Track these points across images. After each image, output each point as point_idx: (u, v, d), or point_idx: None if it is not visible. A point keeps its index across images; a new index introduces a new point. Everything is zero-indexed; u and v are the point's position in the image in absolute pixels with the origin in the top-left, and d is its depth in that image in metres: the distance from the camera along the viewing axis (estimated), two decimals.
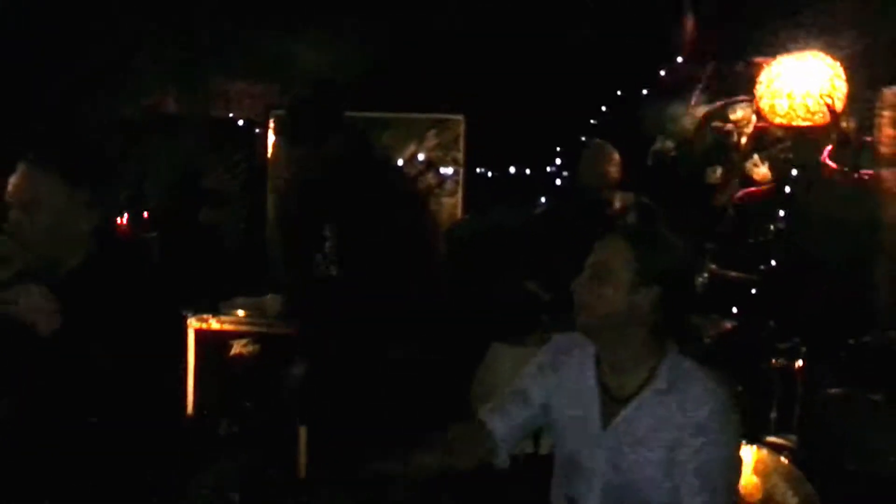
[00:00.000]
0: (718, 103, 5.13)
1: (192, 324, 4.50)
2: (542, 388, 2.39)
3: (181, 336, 2.70)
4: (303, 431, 3.75)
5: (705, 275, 4.15)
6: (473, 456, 2.41)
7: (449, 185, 5.62)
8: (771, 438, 3.69)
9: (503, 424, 2.41)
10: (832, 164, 4.61)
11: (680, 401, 2.17)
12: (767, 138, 4.98)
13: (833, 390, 3.66)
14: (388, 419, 3.36)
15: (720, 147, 5.12)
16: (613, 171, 4.79)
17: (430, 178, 5.60)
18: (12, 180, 2.41)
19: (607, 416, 2.24)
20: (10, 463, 2.43)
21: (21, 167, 2.41)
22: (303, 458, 3.68)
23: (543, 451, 3.59)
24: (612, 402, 2.25)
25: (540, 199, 5.35)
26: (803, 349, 3.71)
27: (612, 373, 2.27)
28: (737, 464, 2.25)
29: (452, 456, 2.40)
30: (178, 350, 2.67)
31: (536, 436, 3.65)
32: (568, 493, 2.32)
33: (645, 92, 5.32)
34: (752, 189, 4.98)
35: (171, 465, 2.52)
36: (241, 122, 5.78)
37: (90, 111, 5.26)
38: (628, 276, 2.16)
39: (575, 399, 2.31)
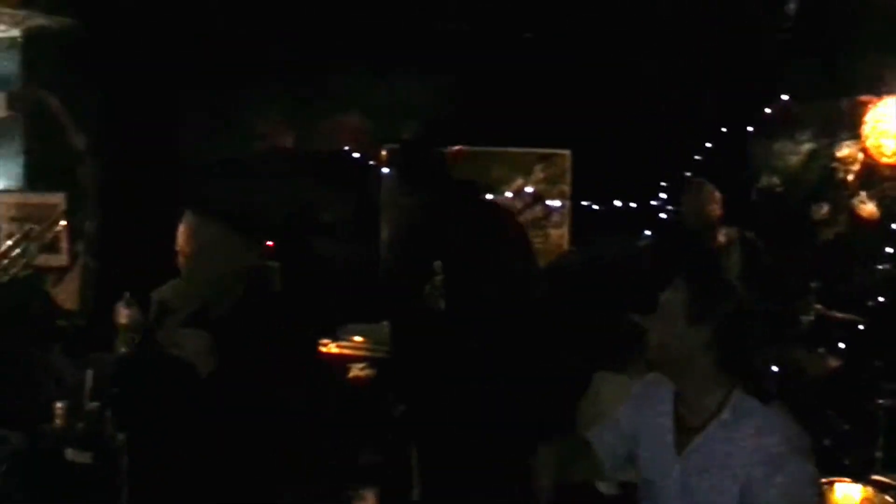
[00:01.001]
0: (825, 141, 5.15)
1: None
2: (631, 419, 2.55)
3: (315, 358, 2.88)
4: (414, 454, 3.90)
5: (811, 314, 4.18)
6: (582, 471, 2.61)
7: (555, 218, 5.76)
8: (876, 477, 3.70)
9: (604, 450, 2.58)
10: None
11: (746, 432, 2.26)
12: (875, 176, 4.98)
13: None
14: (493, 448, 3.50)
15: (827, 184, 5.13)
16: (715, 209, 4.84)
17: (537, 210, 5.76)
18: (181, 228, 2.61)
19: (680, 445, 2.37)
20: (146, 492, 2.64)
21: (187, 216, 2.62)
22: (416, 481, 3.83)
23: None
24: (685, 431, 2.37)
25: (644, 232, 5.43)
26: None
27: (684, 404, 2.39)
28: (809, 494, 2.29)
29: (564, 470, 2.55)
30: (313, 371, 2.84)
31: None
32: None
33: (751, 129, 5.37)
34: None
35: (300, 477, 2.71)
36: (355, 156, 6.01)
37: (217, 147, 5.57)
38: (682, 314, 2.30)
39: (655, 429, 2.45)
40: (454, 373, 3.45)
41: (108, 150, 5.41)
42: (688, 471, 2.33)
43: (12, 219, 5.07)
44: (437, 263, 3.44)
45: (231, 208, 2.69)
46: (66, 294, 5.03)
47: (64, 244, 5.07)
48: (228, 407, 2.47)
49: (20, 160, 5.35)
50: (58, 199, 5.11)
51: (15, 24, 5.26)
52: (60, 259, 5.09)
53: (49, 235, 4.82)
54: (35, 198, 5.18)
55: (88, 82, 5.42)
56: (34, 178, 5.32)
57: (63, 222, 4.92)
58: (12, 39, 5.36)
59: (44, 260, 5.00)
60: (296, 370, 2.59)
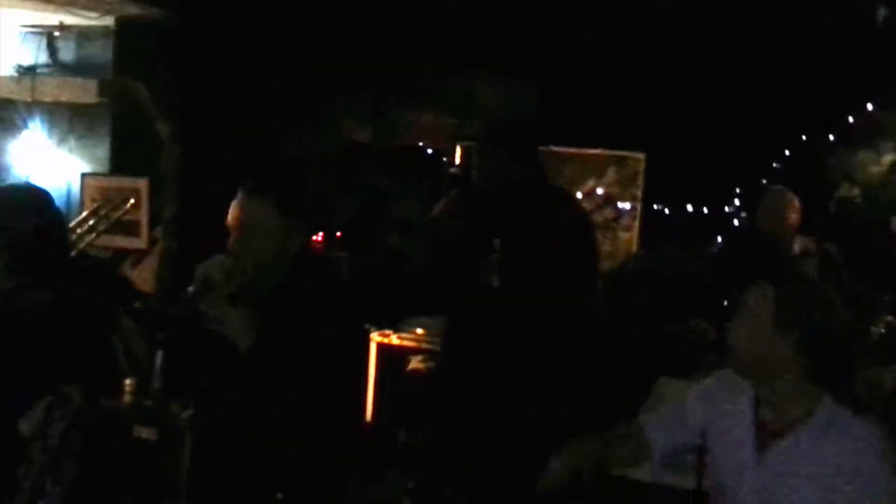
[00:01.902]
0: None
1: (375, 338, 4.81)
2: (701, 413, 2.49)
3: (365, 348, 2.92)
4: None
5: (882, 326, 4.09)
6: (628, 454, 2.58)
7: (625, 221, 5.74)
8: None
9: (660, 434, 2.53)
10: None
11: (835, 441, 2.21)
12: None
13: None
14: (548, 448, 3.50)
15: None
16: (793, 217, 4.75)
17: (607, 212, 5.74)
18: (233, 206, 2.65)
19: (760, 450, 2.31)
20: (205, 467, 2.72)
21: (240, 194, 2.65)
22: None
23: (704, 487, 3.68)
24: (766, 436, 2.31)
25: (716, 238, 5.37)
26: None
27: (768, 409, 2.33)
28: None
29: (610, 449, 2.55)
30: (362, 360, 2.89)
31: (700, 473, 3.75)
32: None
33: (831, 137, 5.26)
34: None
35: (350, 468, 2.77)
36: (429, 152, 6.08)
37: (295, 143, 5.69)
38: (769, 320, 2.24)
39: (731, 431, 2.39)
40: (504, 354, 3.47)
41: (190, 139, 5.57)
42: (767, 476, 2.28)
43: (95, 200, 5.26)
44: (497, 241, 3.47)
45: (287, 193, 2.74)
46: (144, 277, 5.19)
47: (143, 228, 5.23)
48: (263, 383, 2.55)
49: (107, 145, 5.54)
50: (140, 183, 5.27)
51: (109, 13, 5.44)
52: (140, 242, 5.26)
53: (116, 215, 4.98)
54: (118, 181, 5.36)
55: (175, 72, 5.59)
56: (119, 163, 5.51)
57: (131, 202, 5.06)
58: (106, 28, 5.54)
59: (124, 243, 5.20)
60: (340, 359, 2.64)
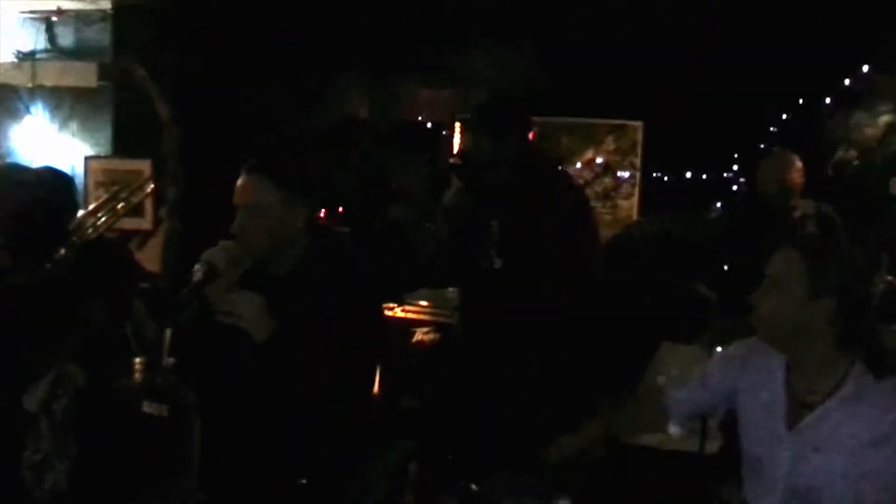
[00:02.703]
0: None
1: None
2: (725, 376, 2.49)
3: (382, 322, 2.92)
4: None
5: (882, 285, 4.12)
6: (644, 418, 2.66)
7: (625, 189, 5.78)
8: None
9: (681, 396, 2.58)
10: None
11: (866, 410, 2.19)
12: None
13: None
14: (553, 415, 3.56)
15: None
16: (796, 178, 4.74)
17: (607, 181, 5.78)
18: (237, 186, 2.64)
19: (793, 420, 2.29)
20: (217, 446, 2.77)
21: (243, 174, 2.65)
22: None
23: (707, 450, 3.74)
24: (799, 406, 2.28)
25: (715, 204, 5.40)
26: None
27: (800, 379, 2.30)
28: None
29: (624, 416, 2.64)
30: (381, 334, 2.87)
31: (703, 436, 3.80)
32: (748, 495, 2.40)
33: (828, 100, 5.27)
34: None
35: (358, 436, 2.79)
36: (428, 126, 6.10)
37: (294, 118, 5.72)
38: (801, 288, 2.19)
39: (763, 401, 2.37)
40: (509, 334, 3.52)
41: (190, 120, 5.61)
42: (800, 448, 2.26)
43: (100, 183, 5.32)
44: (495, 223, 3.52)
45: (288, 169, 2.70)
46: (150, 257, 5.25)
47: (148, 209, 5.30)
48: (286, 371, 2.52)
49: (109, 128, 5.58)
50: (143, 165, 5.33)
51: None
52: (145, 223, 5.32)
53: (135, 200, 5.04)
54: (122, 164, 5.41)
55: (175, 54, 5.61)
56: (122, 145, 5.55)
57: (151, 186, 5.13)
58: (104, 12, 5.56)
59: (129, 224, 5.25)
60: (358, 336, 2.61)
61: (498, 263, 3.52)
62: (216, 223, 2.79)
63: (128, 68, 5.47)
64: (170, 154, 5.46)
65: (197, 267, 2.55)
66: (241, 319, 2.48)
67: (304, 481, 2.60)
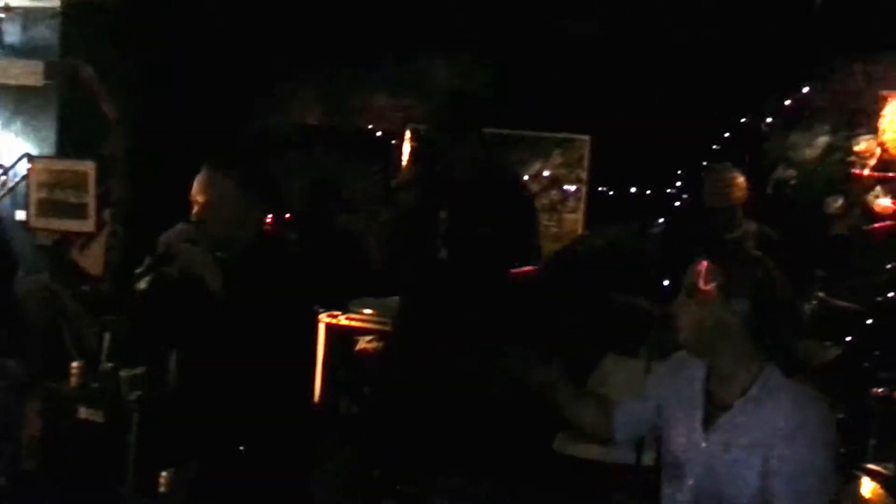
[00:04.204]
0: (842, 134, 5.16)
1: (323, 319, 4.85)
2: (659, 393, 2.60)
3: (313, 327, 3.00)
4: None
5: (814, 302, 4.23)
6: (591, 416, 2.71)
7: (571, 203, 5.83)
8: (869, 465, 3.75)
9: (622, 409, 2.67)
10: None
11: (773, 410, 2.30)
12: (891, 171, 4.98)
13: None
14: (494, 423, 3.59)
15: (842, 178, 5.14)
16: (739, 193, 4.84)
17: (553, 194, 5.83)
18: (197, 180, 2.80)
19: (709, 422, 2.40)
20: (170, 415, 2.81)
21: (204, 169, 2.81)
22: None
23: (645, 462, 3.80)
24: (714, 409, 2.41)
25: (658, 219, 5.47)
26: None
27: (717, 384, 2.42)
28: (828, 474, 2.32)
29: (576, 403, 2.69)
30: (310, 340, 2.97)
31: (639, 449, 3.86)
32: (667, 493, 2.50)
33: (769, 120, 5.39)
34: (880, 225, 4.97)
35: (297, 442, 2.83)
36: (378, 134, 6.12)
37: (244, 122, 5.70)
38: (715, 295, 2.32)
39: (683, 407, 2.48)
40: (453, 327, 3.55)
41: (138, 121, 5.56)
42: (714, 447, 2.36)
43: (42, 184, 5.24)
44: (444, 214, 3.57)
45: (247, 168, 2.84)
46: (92, 260, 5.19)
47: (91, 211, 5.23)
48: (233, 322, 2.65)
49: (54, 128, 5.51)
50: (88, 166, 5.27)
51: None
52: (87, 225, 5.26)
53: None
54: (66, 164, 5.34)
55: (123, 54, 5.57)
56: (66, 145, 5.49)
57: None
58: (53, 10, 5.50)
59: (72, 226, 5.19)
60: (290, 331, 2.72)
61: (444, 254, 3.56)
62: (161, 226, 2.83)
63: (75, 67, 5.42)
64: (116, 155, 5.42)
65: (141, 268, 2.70)
66: (200, 266, 2.65)
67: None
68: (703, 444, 2.39)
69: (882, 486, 3.55)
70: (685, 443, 2.44)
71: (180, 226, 2.77)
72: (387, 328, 4.76)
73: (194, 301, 2.69)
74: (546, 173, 5.83)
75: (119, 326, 3.92)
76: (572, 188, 5.81)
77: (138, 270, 2.73)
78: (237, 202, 2.77)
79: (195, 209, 2.78)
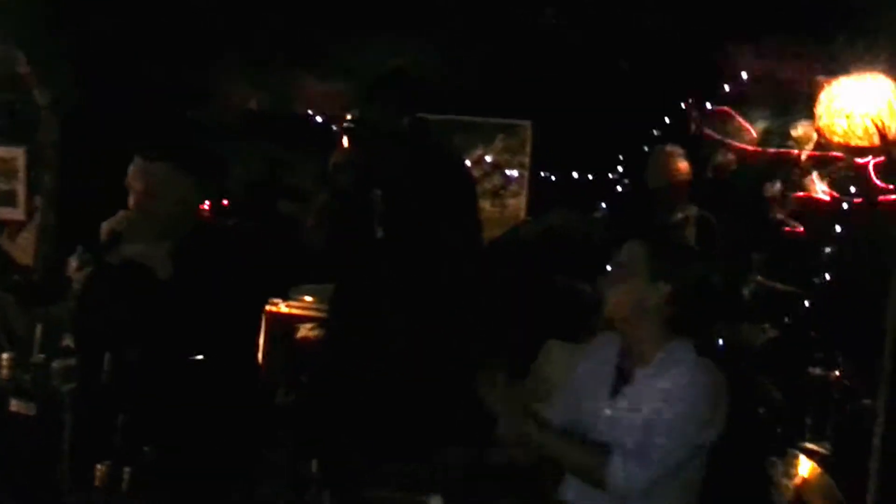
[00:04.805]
0: (780, 120, 5.23)
1: (263, 307, 4.77)
2: (578, 375, 2.71)
3: (257, 316, 2.98)
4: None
5: (752, 284, 4.28)
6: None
7: (513, 188, 5.84)
8: (806, 444, 3.82)
9: (555, 414, 2.69)
10: (880, 185, 4.69)
11: (667, 377, 2.43)
12: (827, 156, 5.06)
13: (866, 401, 3.76)
14: (435, 408, 3.58)
15: (780, 162, 5.22)
16: (682, 173, 4.87)
17: (496, 179, 5.84)
18: (132, 170, 2.74)
19: (613, 393, 2.53)
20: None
21: (137, 158, 2.74)
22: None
23: None
24: (621, 381, 2.54)
25: (600, 204, 5.51)
26: (840, 360, 3.83)
27: (628, 357, 2.55)
28: (693, 431, 2.40)
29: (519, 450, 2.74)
30: (254, 329, 2.94)
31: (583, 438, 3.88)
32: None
33: (709, 105, 5.44)
34: (805, 195, 5.05)
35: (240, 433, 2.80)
36: (319, 120, 6.06)
37: (182, 108, 5.60)
38: (641, 273, 2.47)
39: (596, 380, 2.61)
40: (388, 311, 3.53)
41: (71, 108, 5.42)
42: (615, 415, 2.48)
43: None
44: (377, 192, 3.54)
45: (184, 156, 2.77)
46: (22, 248, 5.07)
47: (21, 198, 5.10)
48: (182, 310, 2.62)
49: None
50: (17, 152, 5.14)
51: None
52: (17, 213, 5.13)
53: None
54: None
55: (55, 39, 5.42)
56: None
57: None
58: None
59: (1, 213, 5.06)
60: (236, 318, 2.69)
61: (379, 233, 3.54)
62: (94, 214, 2.77)
63: (6, 53, 5.28)
64: (47, 142, 5.28)
65: (73, 256, 2.64)
66: (149, 257, 2.63)
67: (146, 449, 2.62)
68: (607, 412, 2.50)
69: (819, 465, 3.61)
70: (591, 409, 2.55)
71: (122, 213, 2.72)
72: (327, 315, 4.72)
73: (139, 291, 2.65)
74: (489, 158, 5.83)
75: (51, 316, 3.81)
76: (515, 173, 5.82)
77: (73, 261, 2.66)
78: (173, 190, 2.72)
79: (132, 197, 2.73)
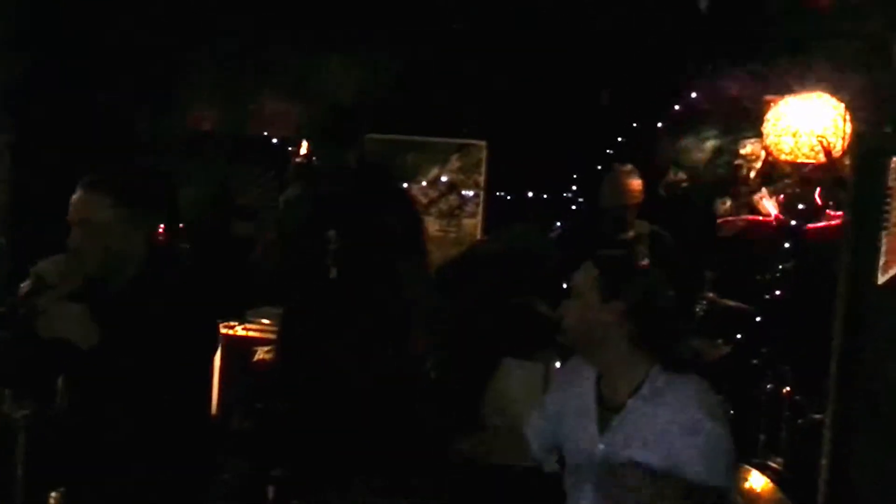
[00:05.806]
0: (729, 138, 5.33)
1: (220, 330, 4.74)
2: (555, 401, 2.67)
3: (215, 341, 2.90)
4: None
5: (703, 302, 4.35)
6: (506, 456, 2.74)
7: (469, 207, 5.87)
8: (758, 460, 3.88)
9: (533, 434, 2.74)
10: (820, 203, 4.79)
11: (664, 405, 2.38)
12: (775, 174, 5.16)
13: (817, 416, 3.82)
14: (400, 430, 3.59)
15: (730, 180, 5.31)
16: (635, 194, 4.93)
17: (451, 199, 5.86)
18: (72, 202, 2.60)
19: (603, 425, 2.47)
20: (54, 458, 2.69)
21: (79, 189, 2.60)
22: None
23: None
24: (607, 411, 2.48)
25: (555, 223, 5.56)
26: (790, 376, 3.89)
27: (606, 385, 2.50)
28: (726, 457, 2.40)
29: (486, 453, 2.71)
30: (212, 354, 2.88)
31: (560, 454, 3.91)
32: (571, 497, 2.56)
33: (659, 125, 5.53)
34: (753, 218, 5.14)
35: (195, 459, 2.75)
36: (273, 141, 6.05)
37: (136, 132, 5.55)
38: (594, 293, 2.45)
39: (578, 411, 2.55)
40: (343, 346, 3.54)
41: (23, 127, 5.35)
42: (611, 449, 2.42)
43: None
44: (332, 233, 3.56)
45: (127, 185, 2.66)
46: None
47: None
48: (114, 378, 2.49)
49: None
50: None
51: None
52: None
53: None
54: None
55: (8, 55, 5.35)
56: None
57: None
58: None
59: None
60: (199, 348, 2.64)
61: (333, 273, 3.55)
62: (47, 236, 2.70)
63: None
64: None
65: (25, 283, 2.49)
66: (66, 329, 2.43)
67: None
68: (601, 446, 2.44)
69: (772, 480, 3.66)
70: (583, 446, 2.50)
71: (55, 257, 2.54)
72: None
73: (62, 360, 2.51)
74: (444, 178, 5.85)
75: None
76: (470, 193, 5.86)
77: (25, 286, 2.54)
78: (119, 223, 2.58)
79: (72, 234, 2.58)
